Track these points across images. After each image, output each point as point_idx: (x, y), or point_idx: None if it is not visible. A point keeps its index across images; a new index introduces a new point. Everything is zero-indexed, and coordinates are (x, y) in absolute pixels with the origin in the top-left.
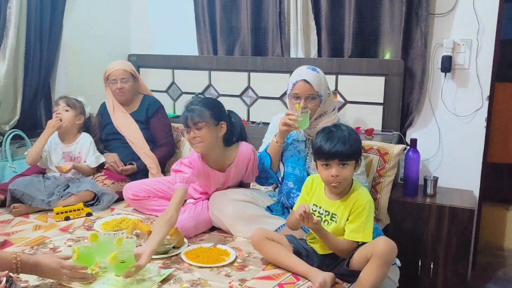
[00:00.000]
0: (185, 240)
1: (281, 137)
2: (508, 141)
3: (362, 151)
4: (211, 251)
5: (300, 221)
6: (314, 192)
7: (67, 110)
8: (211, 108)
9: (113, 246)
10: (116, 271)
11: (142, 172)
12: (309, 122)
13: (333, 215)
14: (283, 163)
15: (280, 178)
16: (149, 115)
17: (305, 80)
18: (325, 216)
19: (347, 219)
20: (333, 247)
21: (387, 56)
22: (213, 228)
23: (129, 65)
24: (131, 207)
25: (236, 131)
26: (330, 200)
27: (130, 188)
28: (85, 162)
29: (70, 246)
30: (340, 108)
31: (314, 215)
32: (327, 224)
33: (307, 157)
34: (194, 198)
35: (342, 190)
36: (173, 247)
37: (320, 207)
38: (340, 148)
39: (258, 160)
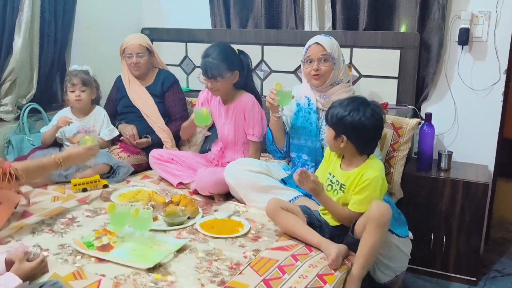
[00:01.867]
0: (200, 210)
1: (271, 113)
2: None
3: None
4: (226, 222)
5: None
6: (330, 162)
7: (83, 91)
8: (226, 59)
9: (130, 217)
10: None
11: (156, 146)
12: (290, 99)
13: (342, 185)
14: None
15: (283, 152)
16: (164, 89)
17: (317, 43)
18: (335, 185)
19: (353, 191)
20: (334, 213)
21: (403, 29)
22: (227, 196)
23: (145, 39)
24: (147, 179)
25: (243, 75)
26: (342, 171)
27: (157, 150)
28: (99, 135)
29: (88, 216)
30: (354, 82)
31: (326, 183)
32: (336, 193)
33: (321, 129)
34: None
35: (353, 164)
36: (188, 218)
37: (333, 176)
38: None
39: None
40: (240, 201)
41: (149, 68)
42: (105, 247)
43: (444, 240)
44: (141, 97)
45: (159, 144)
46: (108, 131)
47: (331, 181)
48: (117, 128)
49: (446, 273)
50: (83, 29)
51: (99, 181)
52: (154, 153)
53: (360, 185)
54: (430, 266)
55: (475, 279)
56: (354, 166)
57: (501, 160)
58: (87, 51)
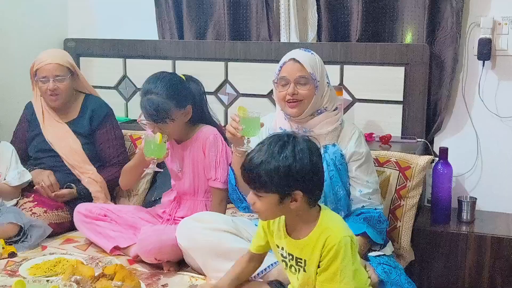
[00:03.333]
0: (142, 285)
1: (234, 146)
2: None
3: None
4: None
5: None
6: (273, 228)
7: None
8: (174, 95)
9: None
10: None
11: (84, 199)
12: (258, 128)
13: (298, 260)
14: None
15: None
16: (94, 126)
17: (294, 59)
18: (290, 261)
19: (318, 266)
20: None
21: (408, 40)
22: (180, 264)
23: (65, 56)
24: (70, 244)
25: (197, 108)
26: (293, 240)
27: (84, 204)
28: (4, 180)
29: None
30: (347, 108)
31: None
32: (295, 271)
33: None
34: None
35: (303, 226)
36: None
37: (282, 249)
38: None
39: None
40: (197, 270)
41: (71, 95)
42: None
43: None
44: (61, 139)
45: (87, 196)
46: (17, 174)
47: (282, 255)
48: None
49: None
50: None
51: (3, 248)
52: (81, 208)
53: (326, 257)
54: None
55: None
56: (307, 229)
57: None
58: None
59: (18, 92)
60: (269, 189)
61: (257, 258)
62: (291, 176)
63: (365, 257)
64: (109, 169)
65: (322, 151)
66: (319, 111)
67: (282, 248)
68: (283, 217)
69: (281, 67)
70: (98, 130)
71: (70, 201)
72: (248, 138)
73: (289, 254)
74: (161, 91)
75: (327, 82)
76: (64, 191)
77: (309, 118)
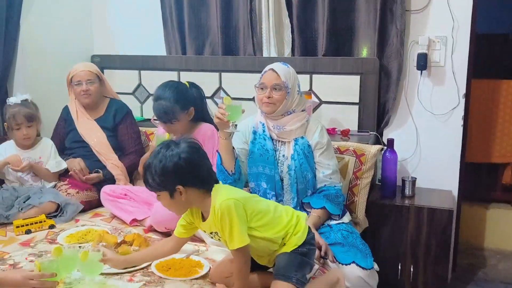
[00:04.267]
0: None
1: (221, 131)
2: (486, 140)
3: (321, 153)
4: (183, 263)
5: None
6: (196, 220)
7: (29, 126)
8: (180, 99)
9: (79, 260)
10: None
11: (108, 181)
12: (240, 114)
13: (216, 233)
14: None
15: (231, 174)
16: (117, 121)
17: (273, 70)
18: (215, 236)
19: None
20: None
21: (364, 54)
22: None
23: (94, 66)
24: (97, 217)
25: (199, 109)
26: (205, 222)
27: (109, 186)
28: (45, 167)
29: (32, 261)
30: (315, 109)
31: (214, 237)
32: (225, 242)
33: (278, 160)
34: None
35: (208, 209)
36: None
37: (205, 231)
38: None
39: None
40: (199, 238)
41: (99, 98)
42: None
43: (411, 269)
44: (91, 132)
45: (111, 179)
46: (55, 163)
47: (210, 236)
48: None
49: None
50: (27, 57)
51: (44, 221)
52: (106, 189)
53: (218, 223)
54: None
55: None
56: (209, 209)
57: (465, 184)
58: (32, 80)
59: (54, 98)
60: (157, 188)
61: (178, 242)
62: (167, 174)
63: (327, 225)
64: (128, 157)
65: (293, 143)
66: (289, 112)
67: (205, 231)
68: (197, 210)
69: (262, 75)
70: (120, 125)
71: (97, 183)
72: (233, 122)
73: (210, 233)
74: (169, 97)
75: (298, 91)
76: (93, 175)
77: (281, 117)
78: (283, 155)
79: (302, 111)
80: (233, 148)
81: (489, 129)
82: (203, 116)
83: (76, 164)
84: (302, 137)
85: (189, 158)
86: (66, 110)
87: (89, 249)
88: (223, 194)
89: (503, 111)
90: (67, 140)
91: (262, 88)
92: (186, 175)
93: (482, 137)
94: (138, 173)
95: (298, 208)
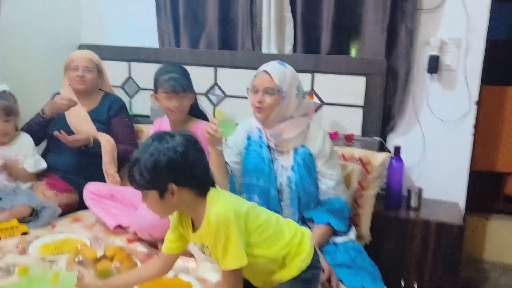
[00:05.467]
0: (139, 265)
1: (211, 146)
2: (491, 148)
3: (329, 159)
4: (171, 283)
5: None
6: (184, 230)
7: (7, 121)
8: (188, 77)
9: (48, 283)
10: None
11: (93, 155)
12: (234, 128)
13: (207, 247)
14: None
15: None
16: (111, 114)
17: (265, 71)
18: (207, 250)
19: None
20: None
21: (353, 54)
22: None
23: (96, 56)
24: (77, 223)
25: (195, 102)
26: (196, 233)
27: (94, 184)
28: (22, 166)
29: None
30: (316, 110)
31: (205, 252)
32: (215, 259)
33: (276, 171)
34: None
35: (201, 217)
36: None
37: (196, 244)
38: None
39: None
40: (189, 253)
41: (95, 89)
42: None
43: (415, 286)
44: (81, 123)
45: (98, 150)
46: (34, 162)
47: (201, 250)
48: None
49: None
50: (7, 45)
51: (16, 227)
52: (91, 187)
53: (212, 236)
54: None
55: None
56: (202, 217)
57: (472, 195)
58: (11, 70)
59: (35, 90)
60: (145, 186)
61: (166, 261)
62: (158, 170)
63: (332, 243)
64: (120, 146)
65: (292, 153)
66: (285, 119)
67: (196, 244)
68: (187, 219)
69: (255, 76)
70: (114, 118)
71: (78, 182)
72: (226, 138)
73: (201, 246)
74: (178, 71)
75: (296, 94)
76: (80, 135)
77: (277, 124)
78: (282, 166)
79: (303, 115)
80: (226, 163)
81: (495, 137)
82: (197, 110)
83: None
84: (303, 145)
85: (185, 153)
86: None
87: (62, 267)
88: (221, 202)
89: (509, 118)
90: (52, 127)
91: (254, 92)
92: (181, 172)
93: (487, 145)
94: (126, 171)
95: (300, 224)
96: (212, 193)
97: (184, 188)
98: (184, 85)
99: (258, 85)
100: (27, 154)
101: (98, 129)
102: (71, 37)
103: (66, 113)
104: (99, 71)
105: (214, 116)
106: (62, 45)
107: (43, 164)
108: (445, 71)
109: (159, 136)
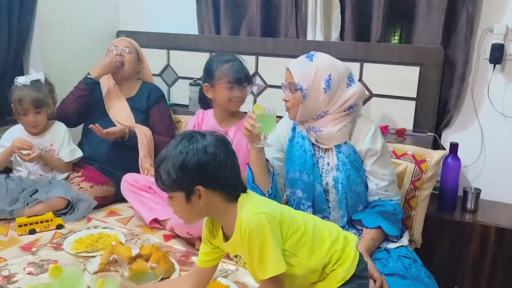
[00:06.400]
0: (176, 266)
1: (251, 143)
2: None
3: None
4: (209, 287)
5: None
6: (215, 241)
7: (38, 112)
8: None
9: (82, 283)
10: None
11: (130, 147)
12: (274, 125)
13: (240, 257)
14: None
15: (268, 195)
16: (150, 103)
17: (287, 68)
18: (240, 261)
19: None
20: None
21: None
22: None
23: (135, 43)
24: (113, 217)
25: None
26: (227, 243)
27: (132, 175)
28: (58, 156)
29: (30, 273)
30: (365, 102)
31: (238, 263)
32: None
33: (319, 164)
34: None
35: (232, 224)
36: (161, 279)
37: (231, 255)
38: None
39: None
40: (229, 254)
41: (132, 75)
42: None
43: None
44: (119, 109)
45: (134, 143)
46: (69, 151)
47: (235, 257)
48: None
49: None
50: (46, 30)
51: (51, 220)
52: (128, 178)
53: (245, 244)
54: None
55: None
56: (232, 226)
57: None
58: (49, 56)
59: (72, 77)
60: (171, 187)
61: (201, 275)
62: (187, 170)
63: (383, 249)
64: (158, 137)
65: (334, 150)
66: (319, 116)
67: (230, 254)
68: (218, 228)
69: (285, 73)
70: (153, 107)
71: (114, 174)
72: (265, 135)
73: (235, 256)
74: (239, 60)
75: (325, 88)
76: (115, 128)
77: (311, 121)
78: (328, 163)
79: (349, 109)
80: (267, 160)
81: None
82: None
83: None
84: (346, 143)
85: (216, 154)
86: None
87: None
88: (252, 206)
89: None
90: (87, 111)
91: (285, 89)
92: (210, 174)
93: None
94: None
95: (346, 227)
96: (243, 198)
97: (213, 192)
98: (247, 75)
99: (285, 82)
100: (62, 143)
101: (136, 118)
102: (109, 24)
103: (105, 99)
104: (139, 57)
105: (252, 110)
106: (100, 33)
107: (78, 154)
108: (509, 61)
109: (189, 135)
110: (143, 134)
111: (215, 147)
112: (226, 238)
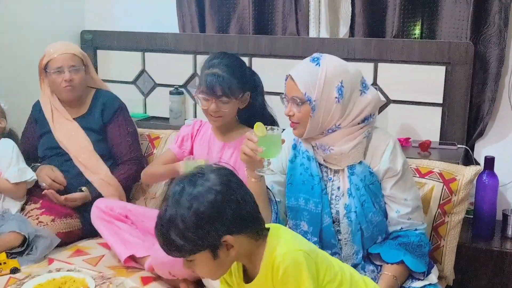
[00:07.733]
0: None
1: (249, 170)
2: None
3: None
4: None
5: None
6: (234, 281)
7: None
8: (237, 75)
9: None
10: None
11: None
12: (279, 148)
13: None
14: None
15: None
16: (106, 120)
17: (290, 76)
18: None
19: None
20: None
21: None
22: (199, 283)
23: (77, 47)
24: (79, 256)
25: (256, 102)
26: (250, 284)
27: (105, 201)
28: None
29: None
30: (381, 109)
31: None
32: None
33: (328, 189)
34: None
35: (258, 263)
36: None
37: None
38: None
39: None
40: None
41: (83, 91)
42: None
43: None
44: (71, 137)
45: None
46: (17, 171)
47: None
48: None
49: None
50: None
51: (4, 262)
52: (101, 204)
53: (277, 284)
54: None
55: None
56: (258, 266)
57: None
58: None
59: (31, 88)
60: (193, 250)
61: None
62: (206, 223)
63: None
64: (122, 167)
65: (347, 172)
66: (329, 130)
67: None
68: (238, 267)
69: (285, 80)
70: (110, 124)
71: (81, 206)
72: (269, 160)
73: None
74: (225, 67)
75: (337, 97)
76: (76, 194)
77: (319, 137)
78: (338, 188)
79: (363, 122)
80: (267, 188)
81: None
82: (255, 116)
83: (49, 172)
84: (361, 162)
85: (227, 192)
86: (37, 107)
87: None
88: (287, 242)
89: None
90: (40, 146)
91: (286, 101)
92: (232, 217)
93: None
94: (138, 188)
95: (362, 264)
96: (271, 233)
97: (240, 236)
98: (225, 87)
99: (287, 94)
100: (9, 162)
101: (92, 139)
102: (72, 23)
103: (52, 127)
104: (85, 66)
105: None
106: (60, 33)
107: (29, 174)
108: None
109: (188, 181)
110: (106, 186)
111: (222, 183)
112: (249, 279)
